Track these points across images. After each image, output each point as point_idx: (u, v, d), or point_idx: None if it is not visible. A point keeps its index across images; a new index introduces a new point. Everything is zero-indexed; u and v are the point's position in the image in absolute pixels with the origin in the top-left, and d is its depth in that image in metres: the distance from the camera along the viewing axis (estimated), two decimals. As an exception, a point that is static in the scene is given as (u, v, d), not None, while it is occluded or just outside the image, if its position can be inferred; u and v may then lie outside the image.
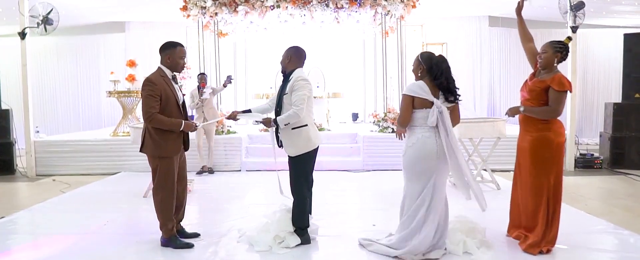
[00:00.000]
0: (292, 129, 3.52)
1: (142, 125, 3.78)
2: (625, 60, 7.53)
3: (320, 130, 8.15)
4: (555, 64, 3.39)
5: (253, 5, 7.56)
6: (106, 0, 8.58)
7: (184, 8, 7.76)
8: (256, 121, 4.12)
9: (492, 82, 10.73)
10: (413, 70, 3.41)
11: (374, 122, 8.11)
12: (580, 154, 7.40)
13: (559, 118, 3.45)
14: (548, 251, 3.39)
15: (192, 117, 6.98)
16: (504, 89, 10.68)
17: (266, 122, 3.54)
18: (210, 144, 6.93)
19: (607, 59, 10.33)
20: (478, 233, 3.58)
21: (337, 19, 7.95)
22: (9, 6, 7.50)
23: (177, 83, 3.68)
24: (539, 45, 3.53)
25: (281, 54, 3.70)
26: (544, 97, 3.37)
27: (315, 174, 3.81)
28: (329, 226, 4.11)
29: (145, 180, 5.46)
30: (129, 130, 7.00)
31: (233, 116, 3.78)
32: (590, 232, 3.99)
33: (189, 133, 3.75)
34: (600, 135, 7.81)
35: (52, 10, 7.17)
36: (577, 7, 6.89)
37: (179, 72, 3.72)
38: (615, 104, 7.47)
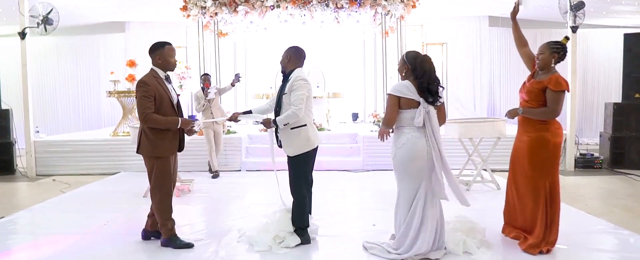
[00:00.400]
0: (291, 128, 3.52)
1: (139, 126, 3.78)
2: (625, 60, 7.53)
3: (320, 130, 8.15)
4: (552, 65, 3.40)
5: (253, 5, 7.56)
6: (106, 0, 8.58)
7: (184, 8, 7.77)
8: (256, 121, 4.12)
9: (492, 82, 10.72)
10: (398, 70, 3.40)
11: (374, 122, 8.11)
12: (581, 154, 7.40)
13: (558, 118, 3.45)
14: (548, 251, 3.39)
15: (192, 117, 6.97)
16: (504, 89, 10.68)
17: (266, 123, 3.56)
18: (219, 146, 6.78)
19: (607, 59, 10.33)
20: (478, 233, 3.58)
21: (337, 19, 7.95)
22: (9, 6, 7.50)
23: (170, 83, 3.68)
24: (537, 46, 3.52)
25: (281, 54, 3.70)
26: (542, 98, 3.38)
27: (315, 174, 3.82)
28: (329, 226, 4.11)
29: (145, 180, 5.41)
30: (129, 130, 7.00)
31: (234, 117, 3.79)
32: (590, 232, 3.99)
33: (186, 136, 3.75)
34: (600, 135, 7.81)
35: (52, 10, 7.17)
36: (577, 7, 6.89)
37: (172, 71, 3.73)
38: (615, 104, 7.47)
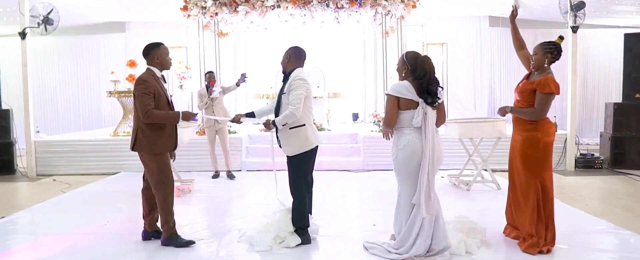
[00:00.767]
0: (290, 128, 3.53)
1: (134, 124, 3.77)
2: (626, 60, 7.52)
3: (320, 130, 8.15)
4: (546, 65, 3.41)
5: (253, 5, 7.56)
6: (106, 0, 8.58)
7: (185, 8, 7.77)
8: (257, 122, 4.13)
9: (492, 82, 10.73)
10: (397, 70, 3.39)
11: (374, 122, 8.11)
12: (581, 154, 7.40)
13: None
14: (548, 251, 3.39)
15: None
16: (504, 89, 10.67)
17: (266, 125, 3.58)
18: (226, 147, 6.64)
19: (607, 59, 10.33)
20: (478, 233, 3.58)
21: (337, 19, 7.95)
22: (9, 6, 7.50)
23: (165, 82, 3.74)
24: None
25: (282, 54, 3.71)
26: (533, 98, 3.41)
27: (315, 174, 3.82)
28: (329, 226, 4.10)
29: (145, 180, 5.46)
30: (129, 130, 7.00)
31: (237, 119, 3.79)
32: (590, 232, 3.99)
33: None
34: (601, 135, 7.80)
35: (52, 10, 7.17)
36: (578, 7, 6.89)
37: (168, 69, 3.79)
38: (615, 104, 7.47)
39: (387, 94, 3.33)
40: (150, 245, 3.71)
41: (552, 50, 3.39)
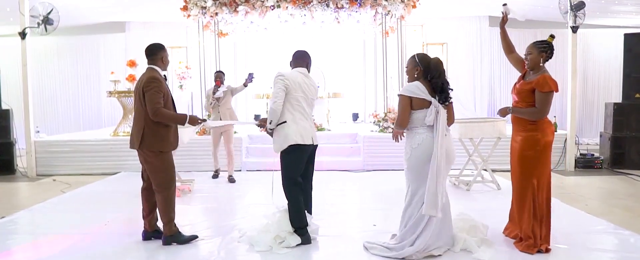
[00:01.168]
0: (277, 125, 3.56)
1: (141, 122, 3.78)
2: (626, 60, 7.53)
3: (320, 130, 8.15)
4: (541, 64, 3.44)
5: (253, 5, 7.56)
6: (106, 0, 8.58)
7: (185, 8, 7.76)
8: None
9: (492, 82, 10.72)
10: (408, 72, 3.42)
11: (374, 122, 8.10)
12: (581, 154, 7.40)
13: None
14: (547, 250, 3.40)
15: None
16: (504, 89, 10.66)
17: (260, 124, 3.68)
18: (230, 148, 6.48)
19: (607, 59, 10.33)
20: (479, 231, 3.59)
21: (337, 19, 7.94)
22: (9, 6, 7.49)
23: (166, 81, 3.79)
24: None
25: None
26: (531, 98, 3.42)
27: (315, 174, 3.83)
28: (329, 226, 4.10)
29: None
30: (130, 130, 6.99)
31: (262, 125, 3.74)
32: (590, 232, 3.99)
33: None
34: (601, 135, 7.80)
35: (52, 10, 7.17)
36: (578, 7, 6.89)
37: (166, 70, 3.85)
38: (615, 104, 7.47)
39: (399, 95, 3.36)
40: (150, 245, 3.71)
41: (546, 49, 3.42)
